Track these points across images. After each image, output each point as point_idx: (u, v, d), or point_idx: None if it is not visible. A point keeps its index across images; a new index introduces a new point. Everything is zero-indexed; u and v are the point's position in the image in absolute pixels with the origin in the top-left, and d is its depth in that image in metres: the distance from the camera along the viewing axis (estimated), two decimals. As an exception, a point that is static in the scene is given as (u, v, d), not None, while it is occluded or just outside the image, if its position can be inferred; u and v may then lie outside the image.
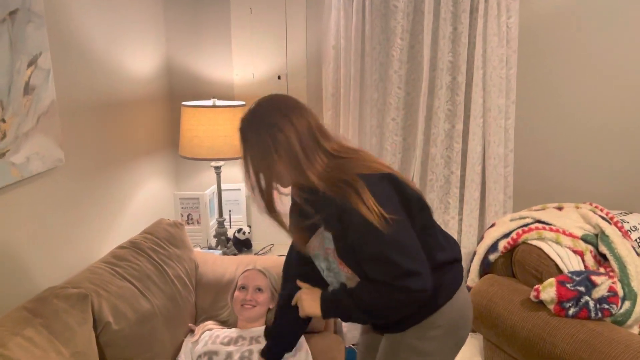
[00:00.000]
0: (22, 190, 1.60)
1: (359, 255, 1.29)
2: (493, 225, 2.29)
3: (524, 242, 2.09)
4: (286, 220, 1.43)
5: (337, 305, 1.39)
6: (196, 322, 2.04)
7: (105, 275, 1.73)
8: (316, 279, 1.51)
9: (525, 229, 2.12)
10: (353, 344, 2.46)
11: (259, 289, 1.90)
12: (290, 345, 1.67)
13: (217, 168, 2.51)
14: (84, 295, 1.55)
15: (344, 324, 2.46)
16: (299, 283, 1.52)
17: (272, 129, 1.29)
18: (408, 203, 1.33)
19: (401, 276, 1.25)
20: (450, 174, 2.62)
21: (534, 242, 2.06)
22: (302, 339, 1.84)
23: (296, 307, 1.52)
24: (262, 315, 1.91)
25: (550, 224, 2.12)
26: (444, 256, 1.41)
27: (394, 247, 1.25)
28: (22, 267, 1.60)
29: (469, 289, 2.23)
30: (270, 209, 1.38)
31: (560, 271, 1.97)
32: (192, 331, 1.92)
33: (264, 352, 1.66)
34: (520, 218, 2.22)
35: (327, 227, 1.35)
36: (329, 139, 1.36)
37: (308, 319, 1.61)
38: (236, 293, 1.92)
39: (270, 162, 1.31)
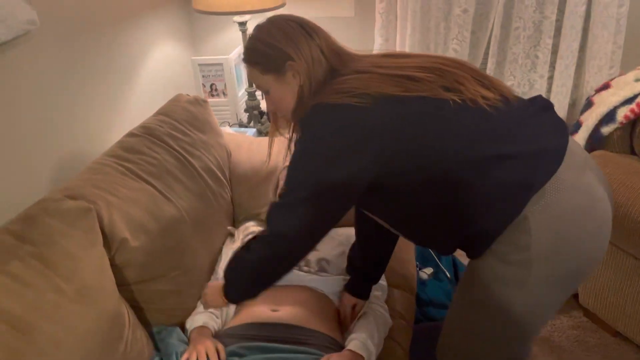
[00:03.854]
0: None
1: None
2: (607, 87, 1.75)
3: (654, 109, 1.59)
4: None
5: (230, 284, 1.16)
6: (235, 223, 1.67)
7: (113, 174, 1.34)
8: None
9: (658, 91, 1.60)
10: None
11: None
12: (377, 276, 1.38)
13: (242, 24, 1.98)
14: (86, 209, 1.17)
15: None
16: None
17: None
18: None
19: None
20: (542, 19, 2.02)
21: (671, 109, 1.55)
22: None
23: (379, 238, 1.29)
24: None
25: (694, 83, 1.58)
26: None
27: None
28: (-1, 174, 1.20)
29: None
30: None
31: None
32: (231, 235, 1.57)
33: (349, 288, 1.37)
34: (650, 76, 1.67)
35: None
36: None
37: (394, 244, 1.35)
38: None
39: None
